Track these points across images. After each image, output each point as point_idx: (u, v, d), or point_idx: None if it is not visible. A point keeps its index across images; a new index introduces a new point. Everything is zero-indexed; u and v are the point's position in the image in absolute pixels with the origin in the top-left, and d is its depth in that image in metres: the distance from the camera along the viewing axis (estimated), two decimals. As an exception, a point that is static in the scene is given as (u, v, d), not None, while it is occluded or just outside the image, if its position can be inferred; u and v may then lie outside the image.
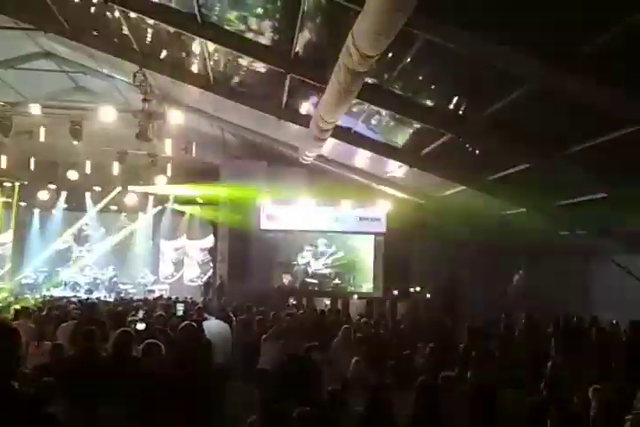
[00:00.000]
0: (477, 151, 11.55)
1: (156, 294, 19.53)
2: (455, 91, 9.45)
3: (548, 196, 11.95)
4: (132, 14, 11.01)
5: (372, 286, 19.66)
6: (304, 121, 12.73)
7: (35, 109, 15.28)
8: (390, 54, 8.69)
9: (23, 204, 22.41)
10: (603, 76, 6.73)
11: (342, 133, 12.90)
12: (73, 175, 19.33)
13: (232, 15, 10.19)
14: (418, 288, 18.59)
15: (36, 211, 23.05)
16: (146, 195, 21.97)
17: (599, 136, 8.26)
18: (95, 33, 12.76)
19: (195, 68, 13.08)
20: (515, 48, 6.86)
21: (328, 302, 18.57)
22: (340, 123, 11.47)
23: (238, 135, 18.76)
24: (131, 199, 21.68)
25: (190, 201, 22.09)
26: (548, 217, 12.64)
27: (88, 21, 12.48)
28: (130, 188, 21.00)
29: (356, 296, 19.13)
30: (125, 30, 11.76)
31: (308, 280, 19.67)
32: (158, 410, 4.40)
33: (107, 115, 15.03)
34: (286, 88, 11.66)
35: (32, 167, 19.42)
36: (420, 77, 9.37)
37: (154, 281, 22.48)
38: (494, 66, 7.50)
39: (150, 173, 18.99)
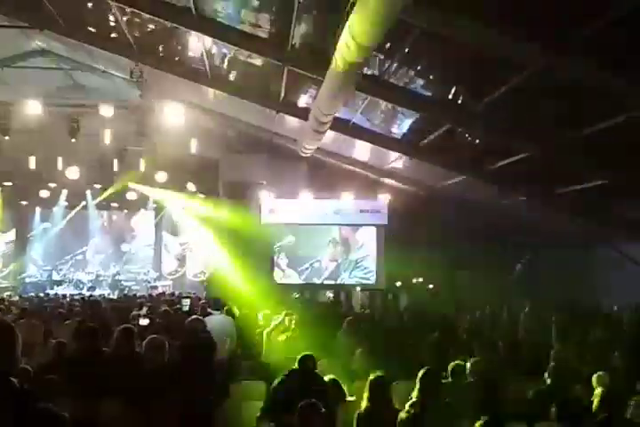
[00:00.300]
0: (477, 141, 11.51)
1: (159, 291, 19.55)
2: (454, 80, 9.41)
3: (548, 184, 11.92)
4: (128, 9, 10.96)
5: (373, 277, 19.66)
6: (302, 114, 12.71)
7: (33, 108, 15.26)
8: (388, 44, 8.66)
9: (24, 202, 22.42)
10: (604, 60, 6.69)
11: (341, 125, 12.86)
12: (73, 173, 19.31)
13: (223, 7, 10.14)
14: (420, 279, 18.58)
15: (38, 209, 23.04)
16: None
17: (600, 122, 8.22)
18: (91, 29, 12.71)
19: (191, 63, 13.03)
20: (515, 32, 6.82)
21: (331, 294, 18.57)
22: (338, 115, 11.44)
23: (237, 129, 18.71)
24: (132, 196, 21.68)
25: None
26: (549, 205, 12.62)
27: (84, 18, 12.43)
28: (130, 185, 20.97)
29: (359, 288, 19.13)
30: (121, 26, 11.71)
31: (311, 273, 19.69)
32: (159, 406, 4.40)
33: (105, 112, 15.02)
34: (284, 81, 11.62)
35: (32, 166, 19.39)
36: (419, 67, 9.33)
37: (156, 277, 22.50)
38: (494, 52, 7.45)
39: (150, 170, 18.97)
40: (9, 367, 2.24)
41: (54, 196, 22.02)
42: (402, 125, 12.78)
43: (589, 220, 12.61)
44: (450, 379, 5.88)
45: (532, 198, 12.80)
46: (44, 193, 21.52)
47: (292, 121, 14.12)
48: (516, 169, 11.51)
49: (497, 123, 9.94)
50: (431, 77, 9.65)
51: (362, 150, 15.78)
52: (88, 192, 22.26)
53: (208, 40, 11.30)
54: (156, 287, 20.94)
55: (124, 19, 11.49)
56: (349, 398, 5.43)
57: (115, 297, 18.03)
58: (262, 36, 10.44)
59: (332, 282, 19.51)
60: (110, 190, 21.50)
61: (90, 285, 21.19)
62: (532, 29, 6.77)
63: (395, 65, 9.39)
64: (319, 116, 10.63)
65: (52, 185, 21.31)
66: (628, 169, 9.35)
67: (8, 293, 18.88)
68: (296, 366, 5.48)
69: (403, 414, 4.55)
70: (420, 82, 10.05)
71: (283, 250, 19.69)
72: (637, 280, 11.71)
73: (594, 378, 5.23)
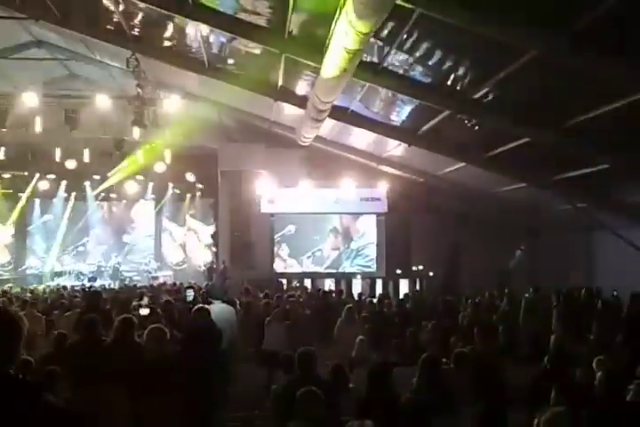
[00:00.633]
0: (476, 127, 11.46)
1: (160, 281, 19.58)
2: (453, 66, 9.35)
3: (548, 169, 11.90)
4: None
5: (374, 265, 19.71)
6: (301, 102, 12.65)
7: (30, 99, 15.18)
8: (386, 31, 8.60)
9: (23, 194, 22.38)
10: (603, 46, 6.65)
11: (339, 113, 12.81)
12: (71, 164, 19.26)
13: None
14: (420, 266, 18.62)
15: (37, 201, 23.01)
16: (146, 183, 21.92)
17: (599, 107, 8.18)
18: (86, 19, 12.62)
19: (188, 52, 12.95)
20: (515, 18, 6.77)
21: (332, 282, 18.62)
22: (336, 103, 11.38)
23: (235, 119, 18.65)
24: (131, 187, 21.65)
25: (189, 188, 22.10)
26: (550, 191, 12.60)
27: (79, 8, 12.33)
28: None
29: (359, 276, 19.18)
30: (117, 15, 11.62)
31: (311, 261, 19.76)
32: (160, 394, 4.41)
33: (102, 102, 14.95)
34: (282, 69, 11.55)
35: (30, 157, 19.35)
36: (418, 54, 9.26)
37: (157, 267, 22.53)
38: (493, 38, 7.39)
39: (149, 160, 18.92)
40: (11, 358, 2.24)
41: (53, 187, 21.98)
42: (401, 113, 12.72)
43: (589, 205, 12.59)
44: (452, 365, 5.90)
45: (532, 184, 12.78)
46: (42, 184, 21.49)
47: (291, 109, 14.06)
48: (515, 155, 11.48)
49: (496, 109, 9.90)
50: (430, 64, 9.58)
51: (361, 138, 15.73)
52: (87, 183, 22.21)
53: (205, 29, 11.21)
54: (156, 278, 20.96)
55: (120, 8, 11.40)
56: (350, 385, 5.44)
57: (116, 288, 18.04)
58: (260, 23, 10.36)
59: (334, 270, 19.59)
60: (109, 182, 21.46)
61: (90, 276, 21.20)
62: (532, 14, 6.73)
63: (393, 52, 9.31)
64: (317, 104, 10.59)
65: (51, 176, 21.27)
66: (628, 154, 9.33)
67: (9, 285, 18.90)
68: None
69: (404, 400, 4.56)
70: (420, 69, 9.98)
71: (284, 240, 19.74)
72: (637, 265, 11.72)
73: (594, 362, 5.25)
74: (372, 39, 7.99)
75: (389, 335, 7.90)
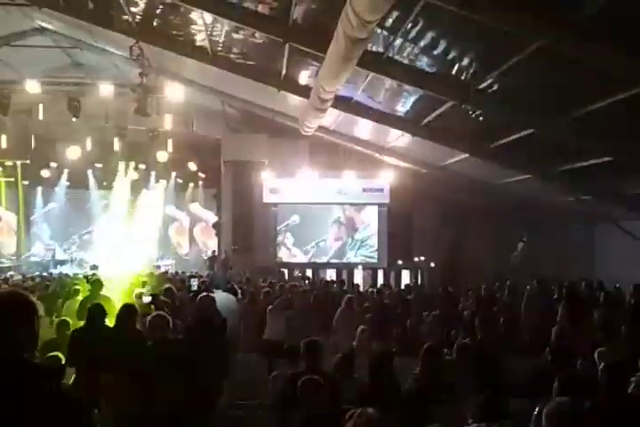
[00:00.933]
0: (480, 118, 11.42)
1: (162, 270, 19.60)
2: (458, 56, 9.29)
3: (551, 161, 11.86)
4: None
5: (376, 256, 19.72)
6: (304, 91, 12.60)
7: (32, 87, 15.14)
8: (391, 20, 8.53)
9: (26, 182, 22.39)
10: (606, 37, 6.60)
11: (343, 103, 12.77)
12: (74, 152, 19.24)
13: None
14: (422, 257, 18.62)
15: (39, 189, 23.01)
16: (148, 172, 21.91)
17: (604, 99, 8.13)
18: (90, 7, 12.54)
19: (192, 40, 12.89)
20: (521, 8, 6.72)
21: (333, 273, 18.65)
22: (340, 92, 11.33)
23: (239, 108, 18.59)
24: (133, 176, 21.63)
25: (191, 178, 22.09)
26: (552, 183, 12.57)
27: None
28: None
29: (360, 267, 19.20)
30: (121, 3, 11.54)
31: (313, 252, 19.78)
32: (160, 381, 4.42)
33: (105, 90, 14.92)
34: (285, 58, 11.49)
35: (33, 145, 19.32)
36: (422, 43, 9.20)
37: (159, 256, 22.56)
38: (498, 28, 7.33)
39: (151, 149, 18.90)
40: (28, 343, 2.22)
41: (56, 175, 21.98)
42: (405, 103, 12.67)
43: (592, 197, 12.57)
44: (453, 356, 5.91)
45: (535, 176, 12.74)
46: (45, 173, 21.48)
47: (294, 99, 14.02)
48: (519, 146, 11.44)
49: (500, 99, 9.84)
50: (435, 53, 9.52)
51: (364, 129, 15.68)
52: (89, 172, 22.19)
53: (209, 17, 11.15)
54: (158, 267, 20.98)
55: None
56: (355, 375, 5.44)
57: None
58: (263, 11, 10.30)
59: (338, 261, 19.60)
60: (111, 171, 21.44)
61: (92, 264, 21.22)
62: (538, 5, 6.67)
63: (398, 41, 9.25)
64: (321, 94, 10.54)
65: (54, 165, 21.26)
66: (632, 146, 9.29)
67: (11, 272, 18.93)
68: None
69: (405, 390, 4.57)
70: (424, 58, 9.92)
71: (288, 229, 19.75)
72: (638, 256, 11.72)
73: (596, 354, 5.24)
74: (376, 28, 7.93)
75: (390, 326, 7.90)
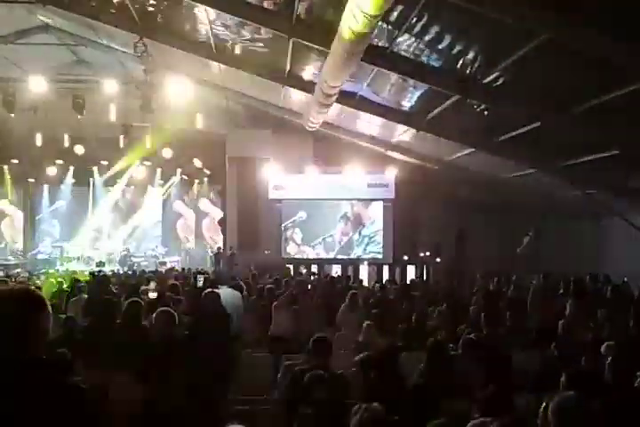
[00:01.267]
0: (486, 112, 11.36)
1: (168, 266, 19.66)
2: (463, 50, 9.24)
3: (557, 155, 11.80)
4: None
5: (381, 251, 19.71)
6: (308, 87, 12.58)
7: (37, 84, 15.17)
8: (395, 14, 8.49)
9: (32, 180, 22.48)
10: (615, 29, 6.55)
11: (347, 98, 12.74)
12: (79, 150, 19.30)
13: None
14: (427, 253, 18.59)
15: (45, 186, 23.11)
16: (154, 169, 21.96)
17: (610, 92, 8.08)
18: (93, 3, 12.55)
19: (196, 37, 12.87)
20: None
21: (338, 268, 18.65)
22: (344, 88, 11.30)
23: (243, 104, 18.58)
24: (138, 172, 21.69)
25: (196, 174, 22.12)
26: (559, 177, 12.51)
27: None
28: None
29: (366, 262, 19.19)
30: (124, -1, 11.55)
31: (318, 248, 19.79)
32: (167, 377, 4.43)
33: (109, 87, 14.93)
34: (289, 53, 11.46)
35: (38, 143, 19.36)
36: (427, 37, 9.15)
37: (165, 253, 22.64)
38: (503, 20, 7.29)
39: (156, 146, 18.93)
40: (38, 341, 2.23)
41: (61, 173, 22.06)
42: (410, 98, 12.63)
43: (598, 191, 12.50)
44: (459, 351, 5.90)
45: (541, 170, 12.69)
46: (51, 170, 21.56)
47: (298, 95, 13.99)
48: (524, 140, 11.38)
49: (506, 93, 9.79)
50: (439, 48, 9.47)
51: (369, 124, 15.64)
52: (95, 169, 22.26)
53: (213, 13, 11.13)
54: (164, 263, 21.05)
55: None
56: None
57: (123, 273, 18.13)
58: (267, 7, 10.27)
59: (345, 257, 19.60)
60: (117, 168, 21.50)
61: (98, 261, 21.31)
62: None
63: (402, 36, 9.21)
64: (325, 89, 10.52)
65: (59, 162, 21.33)
66: (637, 139, 9.23)
67: (18, 269, 19.03)
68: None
69: (411, 384, 4.57)
70: (429, 53, 9.88)
71: (296, 225, 19.76)
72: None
73: (603, 348, 5.23)
74: (380, 23, 7.90)
75: (395, 321, 7.90)
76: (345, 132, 17.13)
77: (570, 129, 9.89)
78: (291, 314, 8.45)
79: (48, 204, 23.37)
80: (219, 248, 20.46)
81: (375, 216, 19.93)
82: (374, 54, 9.66)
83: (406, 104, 13.02)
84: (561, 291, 9.35)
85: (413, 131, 13.75)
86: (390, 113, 13.39)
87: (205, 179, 22.54)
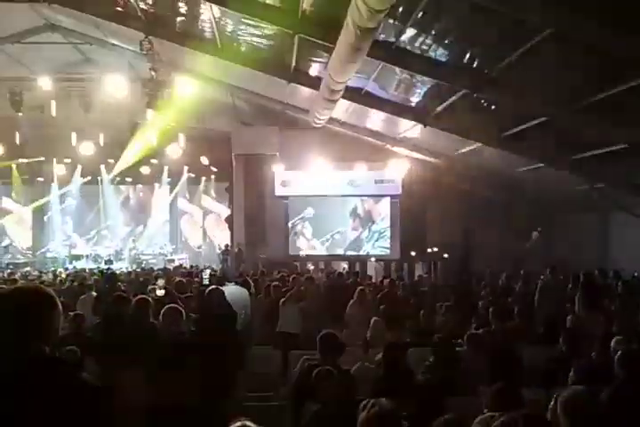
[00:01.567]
0: (493, 107, 11.31)
1: (176, 264, 19.72)
2: (469, 44, 9.20)
3: (565, 149, 11.73)
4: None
5: (389, 247, 19.67)
6: (314, 83, 12.55)
7: (44, 84, 15.23)
8: (401, 9, 8.46)
9: (40, 179, 22.58)
10: (619, 21, 6.50)
11: (353, 94, 12.70)
12: (87, 148, 19.37)
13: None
14: (435, 249, 18.53)
15: (54, 185, 23.21)
16: (161, 167, 22.01)
17: (617, 85, 8.02)
18: (99, 2, 12.57)
19: (201, 34, 12.87)
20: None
21: (346, 265, 18.63)
22: (350, 83, 11.27)
23: (249, 101, 18.57)
24: (146, 170, 21.74)
25: (203, 172, 22.15)
26: (566, 171, 12.44)
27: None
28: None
29: (373, 259, 19.16)
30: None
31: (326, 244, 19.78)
32: (175, 374, 4.44)
33: (116, 86, 14.96)
34: (295, 49, 11.44)
35: (46, 142, 19.46)
36: (433, 32, 9.11)
37: (173, 250, 22.70)
38: (508, 14, 7.25)
39: (163, 143, 18.97)
40: (48, 338, 2.23)
41: (69, 171, 22.14)
42: (417, 93, 12.58)
43: (607, 185, 12.42)
44: (465, 347, 5.88)
45: (549, 165, 12.62)
46: (59, 169, 21.64)
47: (304, 91, 13.97)
48: (532, 135, 11.32)
49: (513, 87, 9.74)
50: (446, 42, 9.43)
51: (375, 120, 15.60)
52: (102, 167, 22.33)
53: (217, 10, 11.12)
54: (172, 261, 21.11)
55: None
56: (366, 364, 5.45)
57: (132, 271, 18.20)
58: (273, 4, 10.25)
59: (355, 253, 19.56)
60: (124, 165, 21.54)
61: (107, 259, 21.40)
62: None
63: (408, 30, 9.17)
64: (331, 85, 10.50)
65: (67, 160, 21.41)
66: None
67: (27, 268, 19.13)
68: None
69: (419, 380, 4.56)
70: (435, 47, 9.83)
71: (305, 220, 19.74)
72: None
73: (613, 342, 5.20)
74: (386, 17, 7.87)
75: (404, 317, 7.88)
76: (351, 128, 17.09)
77: (577, 123, 9.82)
78: (298, 310, 8.45)
79: (58, 203, 23.47)
80: (226, 245, 20.49)
81: (385, 212, 19.88)
82: (380, 49, 9.62)
83: (413, 99, 12.98)
84: (570, 286, 9.30)
85: (420, 126, 13.69)
86: (397, 108, 13.35)
87: (212, 176, 22.56)
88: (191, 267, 17.56)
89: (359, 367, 5.24)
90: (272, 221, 19.60)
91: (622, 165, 11.11)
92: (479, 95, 10.65)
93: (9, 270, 17.19)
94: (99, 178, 22.78)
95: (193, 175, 22.74)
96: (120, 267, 20.07)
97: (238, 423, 2.66)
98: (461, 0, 7.36)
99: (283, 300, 8.58)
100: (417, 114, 13.21)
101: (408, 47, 9.91)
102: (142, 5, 12.07)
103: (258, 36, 12.12)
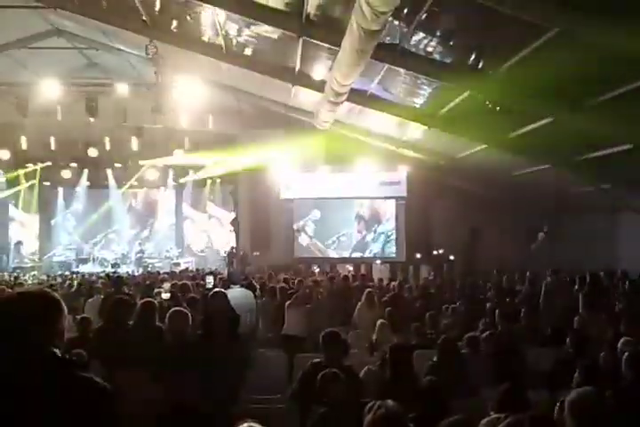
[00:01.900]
0: (498, 108, 11.27)
1: (182, 267, 19.76)
2: (473, 45, 9.18)
3: (570, 150, 11.69)
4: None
5: (394, 250, 19.64)
6: (319, 86, 12.57)
7: (50, 88, 15.30)
8: (405, 11, 8.46)
9: (47, 183, 22.68)
10: (622, 19, 6.48)
11: (358, 96, 12.70)
12: (93, 152, 19.45)
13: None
14: (441, 250, 18.50)
15: (60, 189, 23.30)
16: (166, 169, 22.07)
17: (623, 86, 8.00)
18: (104, 7, 12.62)
19: (206, 38, 12.91)
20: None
21: (351, 268, 18.62)
22: (355, 85, 11.27)
23: (254, 104, 18.61)
24: (151, 174, 21.80)
25: (210, 176, 22.19)
26: (573, 172, 12.40)
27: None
28: (148, 162, 21.02)
29: (379, 261, 19.13)
30: (135, 2, 11.58)
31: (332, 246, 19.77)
32: (179, 377, 4.44)
33: (121, 90, 15.04)
34: (299, 52, 11.46)
35: (53, 147, 19.55)
36: (438, 33, 9.10)
37: (179, 254, 22.74)
38: (510, 14, 7.23)
39: (168, 147, 19.03)
40: (53, 341, 2.26)
41: (76, 176, 22.23)
42: (421, 95, 12.56)
43: (613, 186, 12.38)
44: (472, 348, 5.87)
45: (554, 166, 12.58)
46: (65, 173, 21.74)
47: (309, 94, 13.98)
48: (537, 136, 11.29)
49: (517, 88, 9.71)
50: (450, 43, 9.42)
51: (380, 122, 15.60)
52: (109, 171, 22.41)
53: (222, 14, 11.15)
54: (178, 264, 21.15)
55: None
56: (372, 367, 5.44)
57: (138, 274, 18.26)
58: (277, 7, 10.27)
59: (361, 255, 19.54)
60: (130, 170, 21.61)
61: (113, 262, 21.46)
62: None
63: (413, 32, 9.17)
64: (335, 87, 10.51)
65: (73, 165, 21.50)
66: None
67: (34, 272, 19.20)
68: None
69: (424, 382, 4.55)
70: (440, 49, 9.83)
71: (310, 224, 19.74)
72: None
73: (620, 343, 5.18)
74: (390, 19, 7.87)
75: (409, 319, 7.87)
76: (356, 130, 17.09)
77: (582, 123, 9.79)
78: (304, 313, 8.44)
79: (63, 207, 23.56)
80: (232, 248, 20.52)
81: (391, 214, 19.87)
82: (384, 52, 9.62)
83: (418, 101, 12.97)
84: (576, 287, 9.26)
85: (425, 128, 13.67)
86: (401, 110, 13.33)
87: (218, 180, 22.60)
88: (197, 270, 17.60)
89: (367, 372, 5.23)
90: (277, 224, 19.62)
91: (628, 166, 11.07)
92: (484, 96, 10.64)
93: (15, 274, 17.29)
94: (105, 182, 22.85)
95: (198, 178, 22.80)
96: (126, 270, 20.14)
97: (244, 424, 2.67)
98: (466, 1, 7.34)
99: (288, 302, 8.58)
100: (421, 115, 13.19)
101: (412, 49, 9.91)
102: (147, 9, 12.10)
103: (262, 38, 12.14)
